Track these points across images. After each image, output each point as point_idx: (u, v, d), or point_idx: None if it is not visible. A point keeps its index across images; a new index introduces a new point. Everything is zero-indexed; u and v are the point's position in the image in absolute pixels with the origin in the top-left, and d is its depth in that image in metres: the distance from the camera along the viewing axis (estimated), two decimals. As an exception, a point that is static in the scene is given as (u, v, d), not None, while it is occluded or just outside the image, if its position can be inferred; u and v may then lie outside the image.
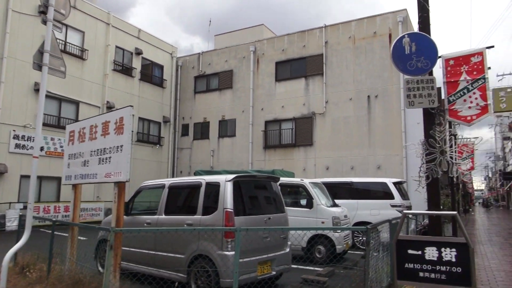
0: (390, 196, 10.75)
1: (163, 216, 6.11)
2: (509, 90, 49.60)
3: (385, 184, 10.97)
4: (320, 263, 8.11)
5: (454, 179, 16.21)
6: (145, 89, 22.68)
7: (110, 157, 5.01)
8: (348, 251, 9.14)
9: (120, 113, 5.04)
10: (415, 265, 5.05)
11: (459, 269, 4.83)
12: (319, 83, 20.47)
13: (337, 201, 11.31)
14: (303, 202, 8.83)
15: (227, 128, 23.13)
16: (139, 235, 6.07)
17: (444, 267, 4.90)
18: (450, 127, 13.94)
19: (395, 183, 11.17)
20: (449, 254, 4.91)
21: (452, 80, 5.42)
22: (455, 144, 5.34)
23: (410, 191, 17.58)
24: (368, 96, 19.12)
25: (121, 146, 4.83)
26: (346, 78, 19.70)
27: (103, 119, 5.33)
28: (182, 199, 6.27)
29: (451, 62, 5.42)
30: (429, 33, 5.45)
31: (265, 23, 53.80)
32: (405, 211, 5.26)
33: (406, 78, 5.32)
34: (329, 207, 8.82)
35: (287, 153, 21.02)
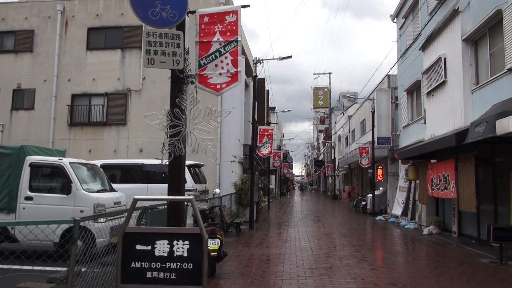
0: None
1: None
2: (326, 89, 56.19)
3: (178, 166, 10.13)
4: (76, 260, 6.65)
5: (257, 163, 16.84)
6: None
7: None
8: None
9: None
10: (143, 263, 4.10)
11: (190, 266, 4.07)
12: (136, 57, 18.63)
13: (125, 185, 10.03)
14: (60, 186, 7.20)
15: (23, 99, 19.26)
16: None
17: (175, 264, 4.08)
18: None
19: (190, 166, 10.46)
20: (181, 248, 4.11)
21: (205, 41, 4.65)
22: (208, 116, 4.56)
23: (222, 174, 17.63)
24: (187, 76, 18.26)
25: None
26: (166, 54, 18.39)
27: None
28: None
29: (206, 19, 4.65)
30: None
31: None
32: (136, 197, 4.27)
33: (146, 29, 4.29)
34: (96, 192, 7.43)
35: (97, 132, 18.66)
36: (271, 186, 36.00)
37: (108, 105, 18.60)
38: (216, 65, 4.58)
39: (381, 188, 20.12)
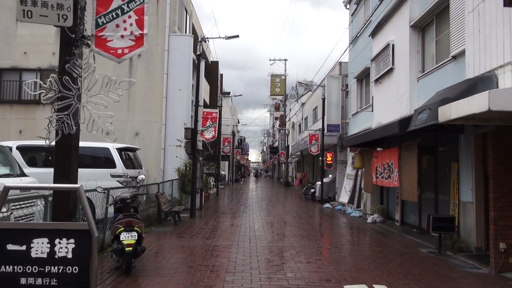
0: (112, 164, 9.08)
1: None
2: (283, 77, 56.07)
3: (107, 149, 9.22)
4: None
5: (205, 148, 16.11)
6: None
7: None
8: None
9: None
10: (15, 267, 3.28)
11: (75, 269, 3.32)
12: (74, 31, 17.11)
13: (48, 170, 8.94)
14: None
15: None
16: None
17: (56, 267, 3.31)
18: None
19: (120, 149, 9.55)
20: (65, 248, 3.34)
21: (104, -4, 3.83)
22: (107, 87, 3.80)
23: (167, 159, 16.74)
24: (131, 54, 17.04)
25: None
26: (107, 29, 17.04)
27: None
28: None
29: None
30: None
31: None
32: (7, 185, 3.44)
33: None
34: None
35: (29, 111, 17.08)
36: (223, 173, 35.37)
37: (42, 81, 17.00)
38: (117, 26, 3.81)
39: (330, 176, 20.07)
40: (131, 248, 5.29)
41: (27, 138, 14.68)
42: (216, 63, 29.51)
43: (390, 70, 10.94)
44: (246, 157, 71.94)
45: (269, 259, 6.78)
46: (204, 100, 22.02)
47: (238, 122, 59.46)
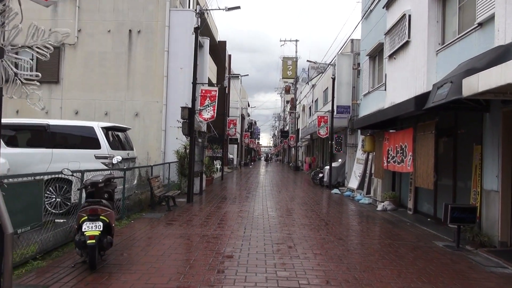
0: (96, 144, 8.34)
1: None
2: (295, 59, 54.68)
3: (91, 129, 8.47)
4: None
5: (209, 130, 15.28)
6: None
7: None
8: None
9: None
10: None
11: (-18, 275, 2.56)
12: (71, 6, 16.38)
13: (26, 150, 8.34)
14: None
15: None
16: None
17: (-42, 272, 2.56)
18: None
19: (107, 129, 8.78)
20: (-31, 247, 2.57)
21: None
22: (34, 38, 2.99)
23: (168, 140, 16.04)
24: (130, 31, 16.24)
25: None
26: (105, 4, 16.27)
27: None
28: None
29: None
30: None
31: None
32: None
33: None
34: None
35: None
36: (231, 156, 34.69)
37: (38, 59, 16.27)
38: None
39: (339, 160, 19.13)
40: (93, 241, 4.51)
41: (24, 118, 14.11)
42: (223, 43, 28.44)
43: (406, 44, 9.87)
44: (256, 141, 71.15)
45: (261, 253, 5.97)
46: (210, 80, 21.09)
47: (248, 105, 58.50)
